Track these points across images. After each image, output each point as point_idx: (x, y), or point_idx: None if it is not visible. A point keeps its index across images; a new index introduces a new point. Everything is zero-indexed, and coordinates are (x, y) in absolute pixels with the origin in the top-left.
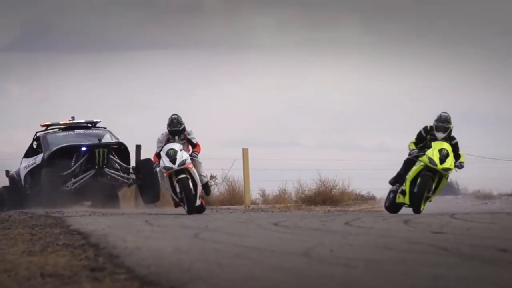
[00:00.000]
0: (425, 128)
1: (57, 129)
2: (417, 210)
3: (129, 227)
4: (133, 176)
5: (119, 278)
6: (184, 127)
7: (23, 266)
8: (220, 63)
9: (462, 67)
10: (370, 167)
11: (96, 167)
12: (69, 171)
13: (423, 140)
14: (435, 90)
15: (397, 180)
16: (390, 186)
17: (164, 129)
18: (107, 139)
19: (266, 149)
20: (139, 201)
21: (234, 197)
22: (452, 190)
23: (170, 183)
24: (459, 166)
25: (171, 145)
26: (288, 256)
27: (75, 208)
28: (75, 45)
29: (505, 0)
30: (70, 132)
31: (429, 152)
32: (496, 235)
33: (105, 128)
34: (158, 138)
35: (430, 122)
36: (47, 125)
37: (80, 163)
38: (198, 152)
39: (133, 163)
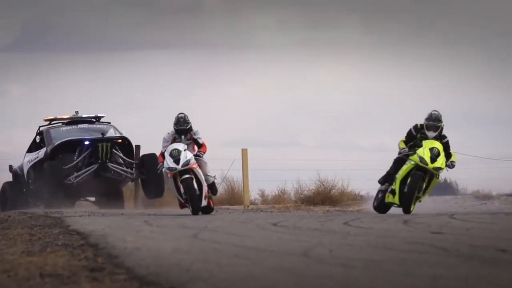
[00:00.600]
0: (415, 127)
1: (60, 124)
2: (407, 210)
3: (129, 227)
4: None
5: (118, 278)
6: (191, 127)
7: (22, 266)
8: (220, 63)
9: (462, 67)
10: (369, 167)
11: (99, 161)
12: (71, 164)
13: (413, 138)
14: (435, 90)
15: (387, 179)
16: (379, 186)
17: (170, 128)
18: (111, 134)
19: (265, 149)
20: (138, 201)
21: (233, 197)
22: (451, 190)
23: (174, 183)
24: (450, 165)
25: (175, 145)
26: (287, 256)
27: (78, 204)
28: (75, 45)
29: (505, 0)
30: (74, 127)
31: (420, 151)
32: (495, 235)
33: (109, 123)
34: (163, 138)
35: None
36: (51, 120)
37: (83, 157)
38: (204, 152)
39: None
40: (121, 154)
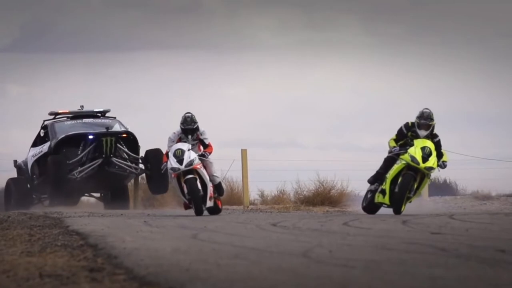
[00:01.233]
0: (406, 125)
1: (65, 118)
2: (397, 211)
3: (128, 227)
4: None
5: (118, 278)
6: (198, 126)
7: (22, 267)
8: (219, 63)
9: (462, 67)
10: (369, 167)
11: (104, 156)
12: (75, 159)
13: (404, 137)
14: (435, 90)
15: (377, 179)
16: (368, 185)
17: (176, 128)
18: (116, 128)
19: (265, 150)
20: (138, 201)
21: (233, 198)
22: (451, 190)
23: (178, 184)
24: (442, 165)
25: (179, 145)
26: (286, 256)
27: (83, 201)
28: (74, 46)
29: (505, 0)
30: (78, 121)
31: (411, 150)
32: (494, 236)
33: (115, 117)
34: (169, 137)
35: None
36: (55, 114)
37: (87, 152)
38: (210, 153)
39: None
40: (125, 149)
